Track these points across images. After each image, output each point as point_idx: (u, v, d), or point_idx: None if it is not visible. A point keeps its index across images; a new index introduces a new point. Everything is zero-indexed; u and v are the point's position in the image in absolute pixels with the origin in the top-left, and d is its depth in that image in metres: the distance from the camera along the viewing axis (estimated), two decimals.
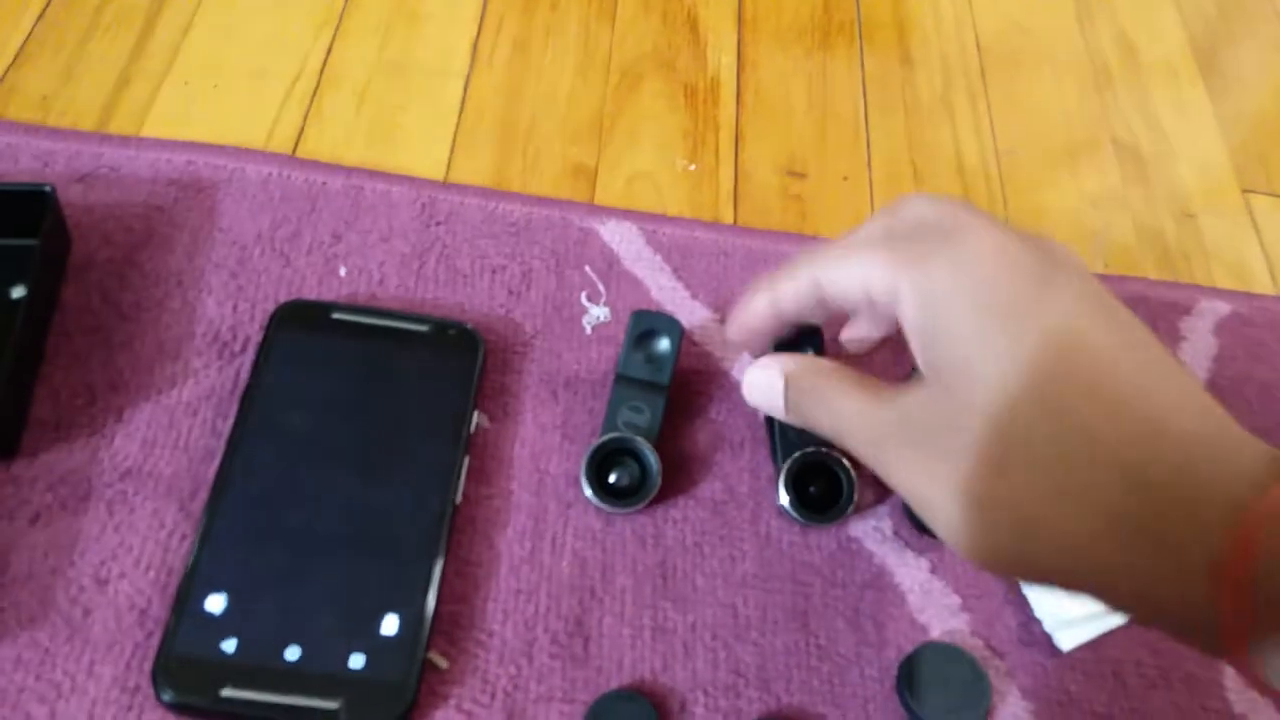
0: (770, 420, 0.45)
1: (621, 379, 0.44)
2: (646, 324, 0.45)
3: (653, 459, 0.42)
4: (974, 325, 0.29)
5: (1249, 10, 0.74)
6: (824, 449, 0.43)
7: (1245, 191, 0.63)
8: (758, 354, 0.40)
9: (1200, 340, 0.54)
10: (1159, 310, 0.54)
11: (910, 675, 0.40)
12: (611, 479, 0.43)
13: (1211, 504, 0.26)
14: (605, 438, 0.42)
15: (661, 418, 0.43)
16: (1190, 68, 0.69)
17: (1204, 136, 0.65)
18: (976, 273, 0.29)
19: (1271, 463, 0.26)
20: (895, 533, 0.44)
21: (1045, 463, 0.27)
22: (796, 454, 0.43)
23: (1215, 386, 0.52)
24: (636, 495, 0.42)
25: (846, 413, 0.33)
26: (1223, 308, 0.55)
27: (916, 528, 0.44)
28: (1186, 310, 0.55)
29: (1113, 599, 0.28)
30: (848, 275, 0.33)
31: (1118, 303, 0.30)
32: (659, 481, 0.42)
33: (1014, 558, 0.29)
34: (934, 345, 0.30)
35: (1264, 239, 0.61)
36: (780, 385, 0.36)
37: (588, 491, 0.42)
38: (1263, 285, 0.58)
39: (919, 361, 0.31)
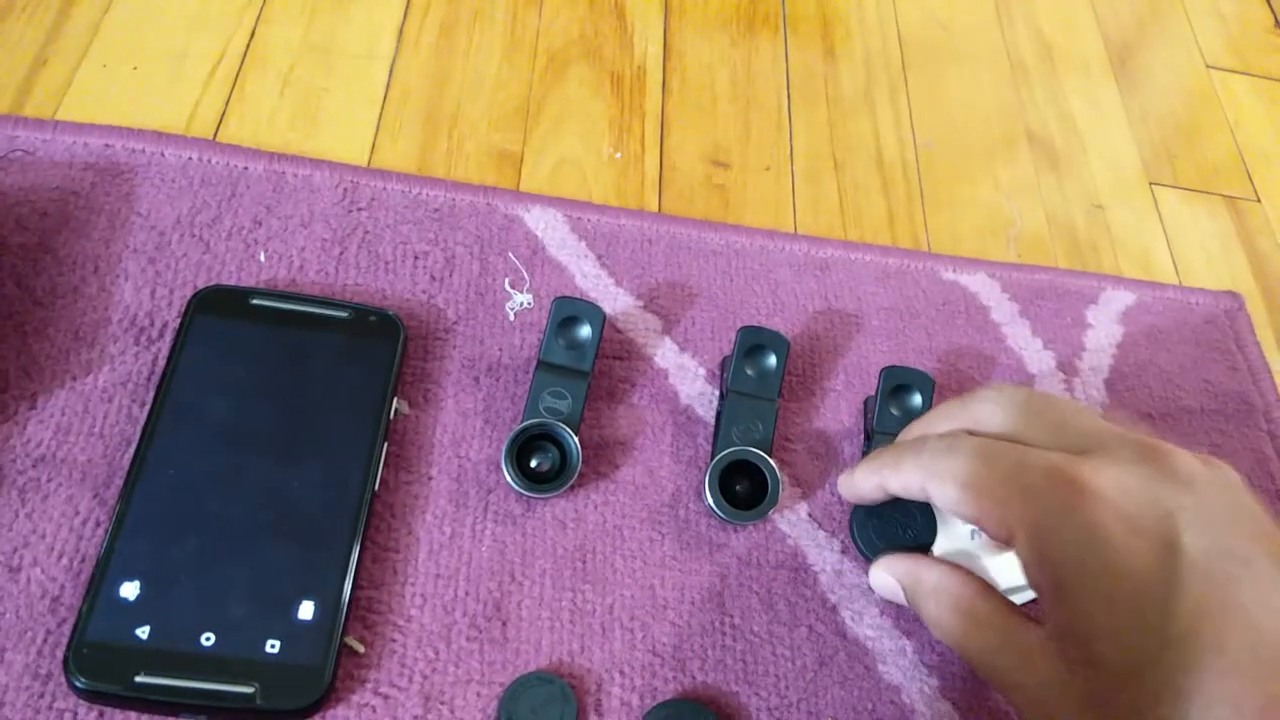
0: (720, 413, 0.46)
1: (543, 365, 0.44)
2: (568, 310, 0.45)
3: (573, 444, 0.43)
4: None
5: (1161, 12, 0.77)
6: (750, 448, 0.44)
7: (1152, 184, 0.65)
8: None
9: (1105, 328, 0.56)
10: (1067, 299, 0.56)
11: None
12: (532, 464, 0.43)
13: None
14: (526, 423, 0.43)
15: (583, 404, 0.44)
16: (1104, 66, 0.71)
17: (1115, 132, 0.68)
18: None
19: None
20: (809, 516, 0.46)
21: None
22: (721, 454, 0.44)
23: (1118, 373, 0.54)
24: (557, 480, 0.43)
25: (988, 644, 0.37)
26: (1127, 297, 0.58)
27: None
28: (1093, 299, 0.57)
29: None
30: (956, 501, 0.38)
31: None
32: (580, 466, 0.43)
33: None
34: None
35: (1168, 231, 0.63)
36: (900, 592, 0.41)
37: (508, 477, 0.42)
38: (1166, 275, 0.61)
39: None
